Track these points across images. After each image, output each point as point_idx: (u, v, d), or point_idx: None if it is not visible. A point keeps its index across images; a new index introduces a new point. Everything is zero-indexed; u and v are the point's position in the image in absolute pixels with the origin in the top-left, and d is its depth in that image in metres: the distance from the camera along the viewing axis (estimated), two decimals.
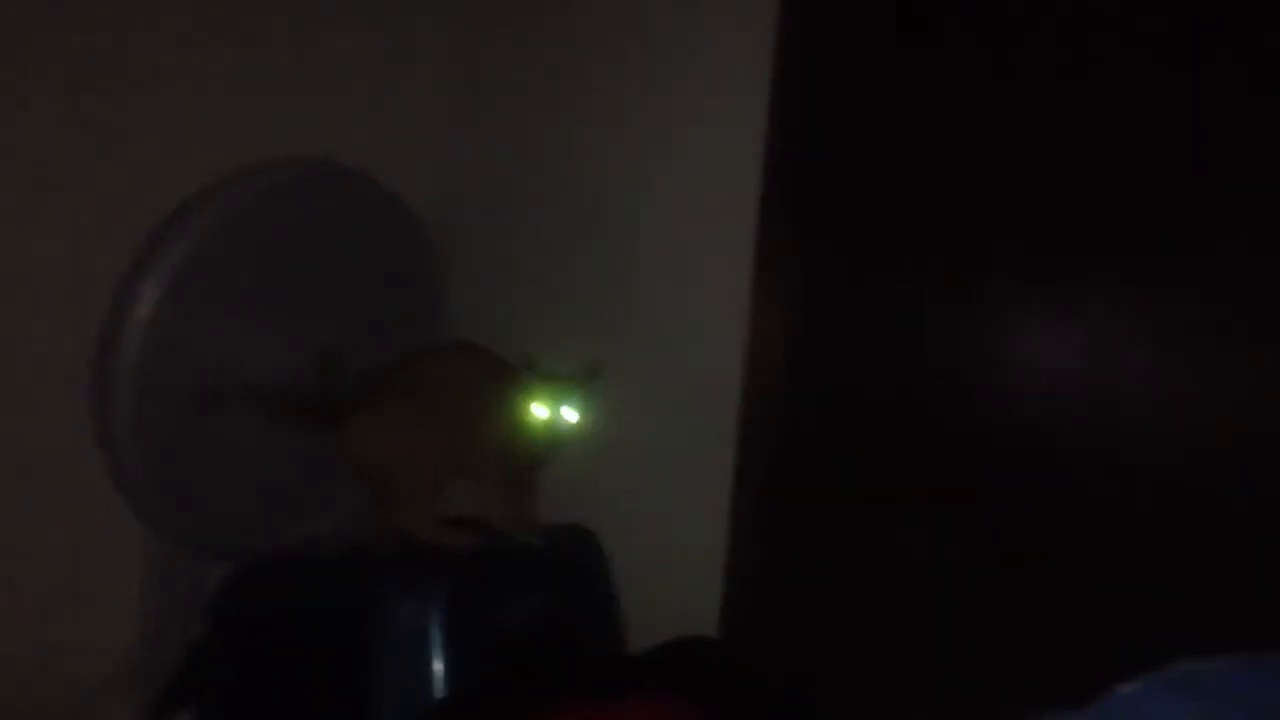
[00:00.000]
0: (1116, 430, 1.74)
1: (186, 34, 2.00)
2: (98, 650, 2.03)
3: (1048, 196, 1.79)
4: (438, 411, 1.85)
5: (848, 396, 2.02)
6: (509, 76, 2.42)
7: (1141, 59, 1.71)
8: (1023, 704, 0.79)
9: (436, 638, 1.75)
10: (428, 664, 1.74)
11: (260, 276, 1.92)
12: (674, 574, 2.14)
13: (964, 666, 1.81)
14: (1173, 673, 0.84)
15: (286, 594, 1.89)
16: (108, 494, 1.87)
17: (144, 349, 1.76)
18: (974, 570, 1.85)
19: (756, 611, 2.07)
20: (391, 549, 1.86)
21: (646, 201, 2.22)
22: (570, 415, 1.85)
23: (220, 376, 1.87)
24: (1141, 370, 1.73)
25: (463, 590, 1.80)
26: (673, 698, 1.65)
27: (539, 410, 1.82)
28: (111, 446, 1.79)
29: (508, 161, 2.43)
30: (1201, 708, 0.76)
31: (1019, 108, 1.82)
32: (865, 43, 1.98)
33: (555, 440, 1.86)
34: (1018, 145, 1.82)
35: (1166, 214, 1.69)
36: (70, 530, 1.94)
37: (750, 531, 2.09)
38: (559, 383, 1.84)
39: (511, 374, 1.85)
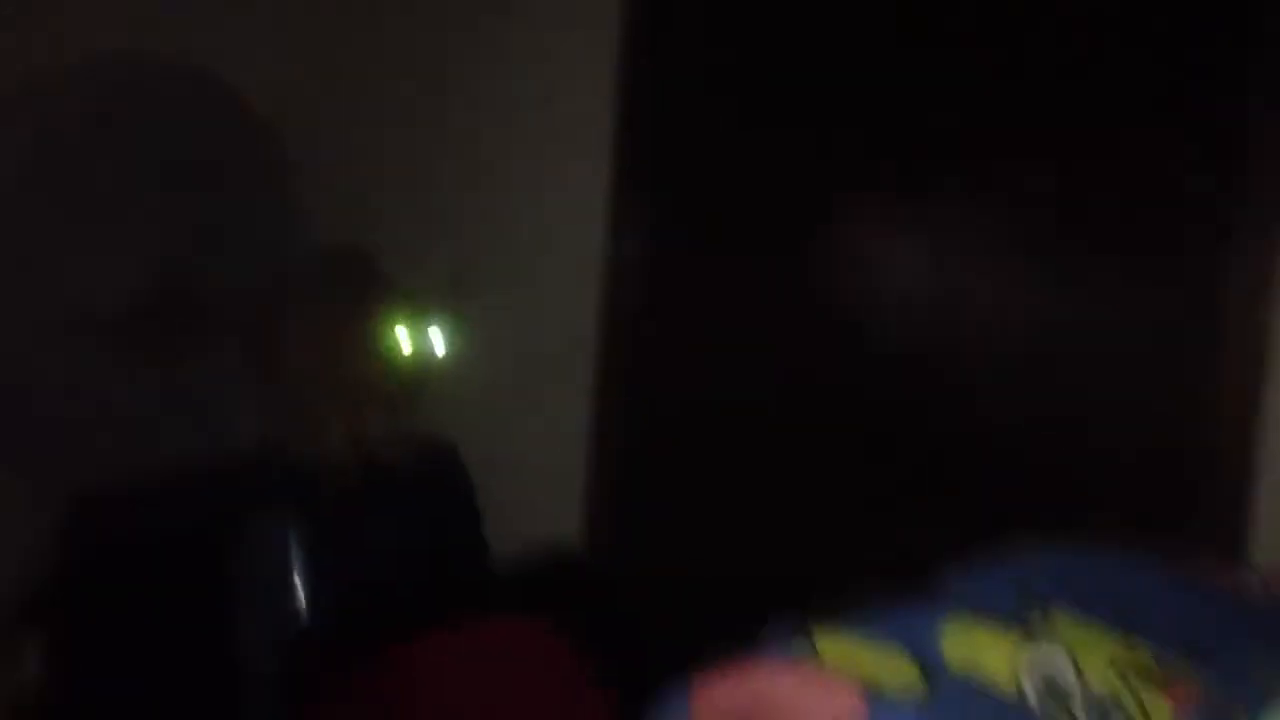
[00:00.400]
0: (957, 338, 1.83)
1: None
2: None
3: (882, 120, 1.86)
4: (308, 332, 1.82)
5: (702, 314, 2.06)
6: None
7: None
8: (871, 601, 0.84)
9: (296, 558, 1.74)
10: (289, 585, 1.73)
11: (92, 185, 1.82)
12: (536, 490, 2.15)
13: (817, 571, 1.89)
14: (996, 556, 0.91)
15: (139, 520, 1.85)
16: None
17: None
18: (825, 479, 1.93)
19: (616, 525, 2.11)
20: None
21: (503, 111, 2.20)
22: (436, 342, 1.80)
23: (48, 292, 1.79)
24: (979, 280, 1.82)
25: (322, 509, 1.79)
26: (534, 619, 1.67)
27: (402, 340, 1.77)
28: None
29: (364, 74, 2.36)
30: (1021, 583, 0.82)
31: (853, 44, 1.87)
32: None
33: (418, 373, 1.82)
34: (851, 78, 1.88)
35: (992, 133, 1.78)
36: None
37: (610, 448, 2.12)
38: (422, 308, 1.79)
39: (378, 294, 1.80)
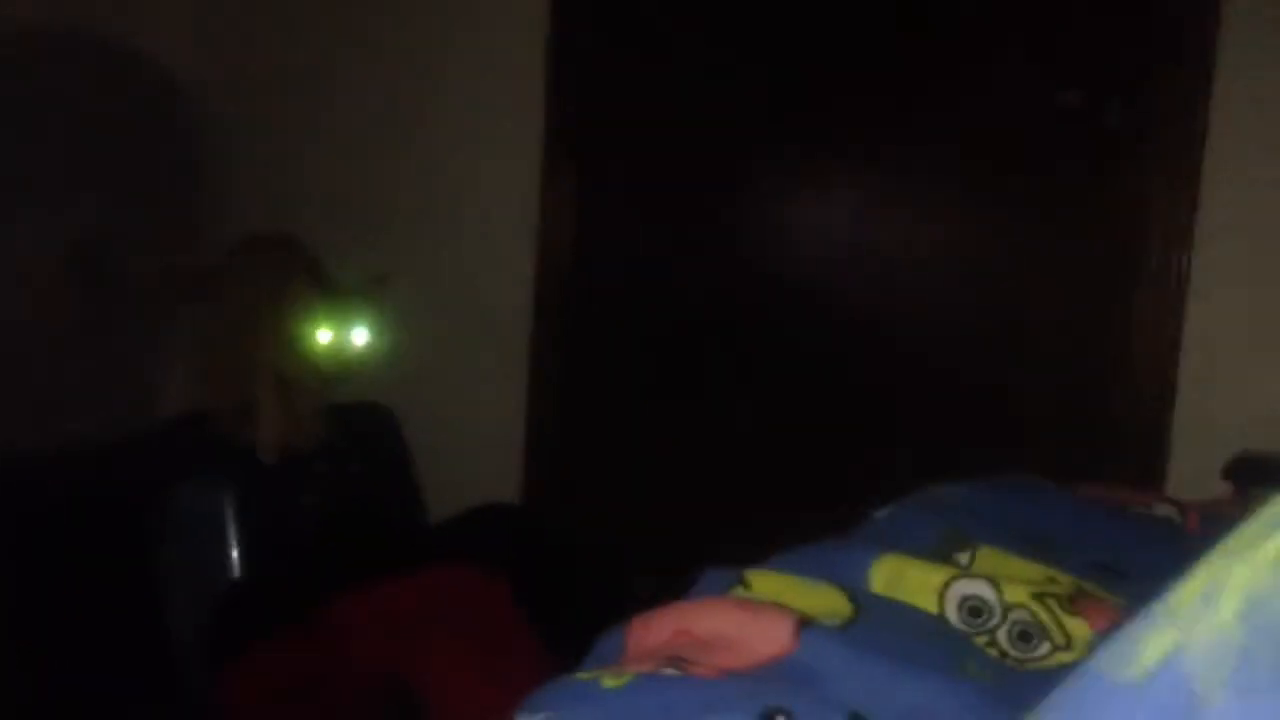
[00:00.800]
0: (880, 288, 1.86)
1: None
2: None
3: (801, 75, 1.88)
4: (231, 313, 1.78)
5: (635, 269, 2.08)
6: None
7: None
8: (801, 544, 0.86)
9: (225, 524, 1.71)
10: (220, 548, 1.71)
11: (11, 155, 1.77)
12: (474, 447, 2.17)
13: (749, 515, 1.92)
14: (918, 496, 0.93)
15: (62, 485, 1.81)
16: None
17: None
18: (756, 423, 1.96)
19: (553, 477, 2.13)
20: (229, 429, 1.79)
21: (433, 80, 2.19)
22: (359, 337, 1.74)
23: None
24: (899, 236, 1.85)
25: (252, 473, 1.77)
26: (470, 565, 1.66)
27: (323, 334, 1.71)
28: None
29: (285, 48, 2.32)
30: (945, 520, 0.85)
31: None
32: None
33: (341, 364, 1.76)
34: (772, 33, 1.89)
35: (919, 92, 1.80)
36: None
37: (547, 401, 2.14)
38: (345, 300, 1.73)
39: (303, 285, 1.74)
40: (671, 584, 0.82)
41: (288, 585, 1.65)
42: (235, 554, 1.72)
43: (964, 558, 0.82)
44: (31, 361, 1.86)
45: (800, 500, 1.85)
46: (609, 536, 2.01)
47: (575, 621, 1.63)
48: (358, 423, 2.01)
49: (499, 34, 2.13)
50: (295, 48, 2.29)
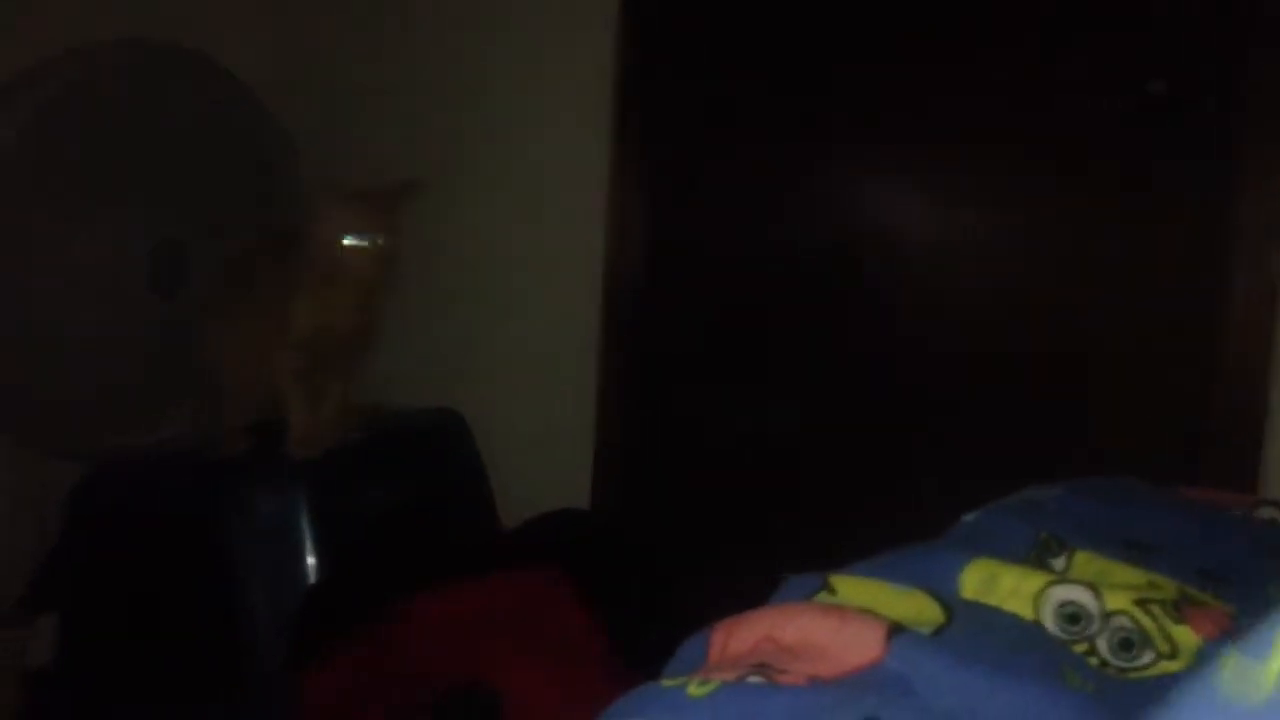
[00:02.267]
0: (962, 287, 1.82)
1: None
2: None
3: (877, 68, 1.84)
4: (254, 312, 1.79)
5: (705, 272, 2.06)
6: None
7: None
8: (888, 550, 0.83)
9: (301, 528, 1.74)
10: (295, 555, 1.73)
11: (90, 164, 1.81)
12: (545, 452, 2.17)
13: (822, 519, 1.90)
14: (1013, 500, 0.90)
15: (144, 494, 1.85)
16: None
17: None
18: (827, 428, 1.93)
19: (625, 483, 2.11)
20: (237, 448, 1.81)
21: (501, 79, 2.18)
22: (382, 238, 1.71)
23: (53, 268, 1.78)
24: (978, 231, 1.81)
25: (323, 480, 1.78)
26: (542, 569, 1.67)
27: (351, 237, 1.68)
28: None
29: (353, 48, 2.34)
30: (1038, 524, 0.82)
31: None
32: None
33: (373, 269, 1.73)
34: (849, 23, 1.86)
35: (998, 82, 1.75)
36: None
37: (617, 406, 2.13)
38: (365, 202, 1.72)
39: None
40: (749, 590, 0.81)
41: (364, 588, 1.66)
42: (311, 557, 1.74)
43: (1059, 562, 0.79)
44: (112, 369, 1.89)
45: (876, 505, 1.82)
46: (679, 541, 2.00)
47: (646, 626, 1.64)
48: (430, 428, 2.03)
49: (565, 44, 2.13)
50: (366, 57, 2.31)
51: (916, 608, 0.70)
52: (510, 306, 2.21)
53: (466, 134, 2.23)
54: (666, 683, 0.64)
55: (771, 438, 1.98)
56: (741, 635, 0.69)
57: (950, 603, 0.71)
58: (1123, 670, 0.70)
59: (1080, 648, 0.71)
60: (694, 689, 0.61)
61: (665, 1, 2.03)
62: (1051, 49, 1.72)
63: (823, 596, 0.73)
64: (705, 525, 2.02)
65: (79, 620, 1.84)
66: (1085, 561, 0.78)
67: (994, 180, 1.80)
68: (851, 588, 0.73)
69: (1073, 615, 0.72)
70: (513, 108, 2.19)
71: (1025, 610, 0.73)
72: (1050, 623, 0.72)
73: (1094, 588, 0.74)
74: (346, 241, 1.67)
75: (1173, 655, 0.70)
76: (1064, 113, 1.71)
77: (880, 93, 1.85)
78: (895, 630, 0.64)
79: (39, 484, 1.98)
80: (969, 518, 0.88)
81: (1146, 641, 0.71)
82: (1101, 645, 0.71)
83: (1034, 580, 0.74)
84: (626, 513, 2.09)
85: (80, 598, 1.84)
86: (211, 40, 2.03)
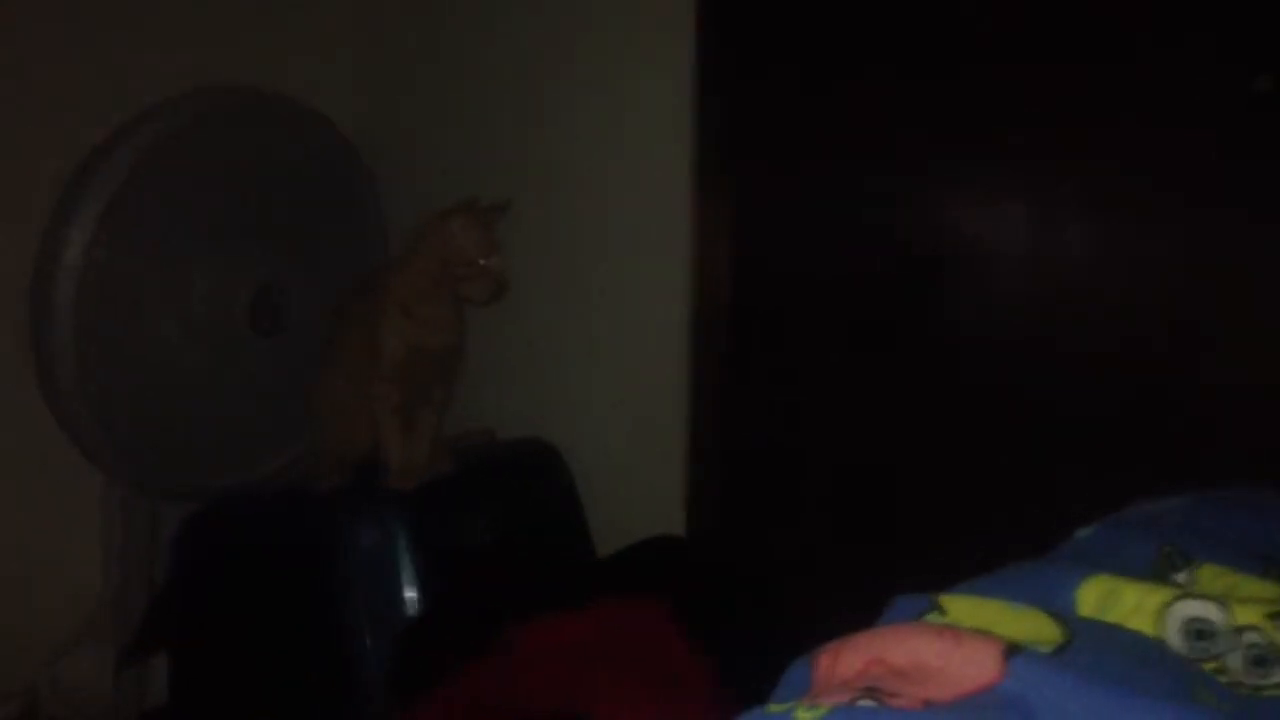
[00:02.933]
0: (1058, 300, 1.77)
1: None
2: (66, 603, 2.00)
3: (975, 75, 1.80)
4: (350, 349, 1.83)
5: (796, 287, 2.03)
6: None
7: None
8: (1000, 567, 0.80)
9: (402, 561, 1.75)
10: (396, 588, 1.74)
11: (191, 208, 1.87)
12: (637, 480, 2.15)
13: (924, 541, 1.85)
14: (1127, 513, 0.87)
15: (248, 530, 1.88)
16: (60, 444, 1.84)
17: (78, 293, 1.71)
18: (927, 447, 1.88)
19: (720, 511, 2.09)
20: (339, 481, 1.84)
21: (584, 108, 2.18)
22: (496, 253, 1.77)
23: (159, 312, 1.83)
24: (1081, 241, 1.76)
25: (422, 513, 1.80)
26: (638, 599, 1.66)
27: (488, 256, 1.74)
28: (56, 396, 1.75)
29: (432, 79, 2.38)
30: (1159, 536, 0.78)
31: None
32: None
33: (500, 294, 1.78)
34: (944, 27, 1.83)
35: (1094, 84, 1.70)
36: (26, 485, 1.90)
37: (710, 432, 2.10)
38: (483, 216, 1.77)
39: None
40: (853, 615, 0.78)
41: (463, 621, 1.67)
42: (412, 590, 1.75)
43: (1183, 576, 0.75)
44: (219, 409, 1.94)
45: (980, 525, 1.78)
46: (777, 566, 1.97)
47: (750, 652, 1.61)
48: (524, 459, 2.04)
49: (647, 70, 2.11)
50: (451, 94, 2.34)
51: (1033, 627, 0.67)
52: (599, 335, 2.21)
53: (549, 163, 2.23)
54: (773, 708, 0.62)
55: (868, 459, 1.94)
56: (848, 658, 0.67)
57: (1069, 621, 0.68)
58: (1257, 688, 0.66)
59: (1210, 665, 0.67)
60: (801, 714, 0.59)
61: (743, 19, 2.00)
62: (1159, 45, 1.66)
63: (933, 617, 0.70)
64: (802, 550, 1.99)
65: (190, 658, 1.88)
66: (1212, 575, 0.75)
67: (1091, 190, 1.75)
68: (963, 607, 0.70)
69: (1200, 631, 0.68)
70: (594, 136, 2.19)
71: (1148, 627, 0.69)
72: (1176, 640, 0.69)
73: (1222, 602, 0.70)
74: (465, 257, 1.72)
75: None
76: (1164, 114, 1.65)
77: (970, 100, 1.81)
78: (1012, 650, 0.61)
79: (149, 525, 2.03)
80: (1083, 533, 0.85)
81: None
82: (1233, 662, 0.67)
83: (1157, 596, 0.71)
84: (723, 539, 2.07)
85: (190, 636, 1.88)
86: (293, 77, 2.09)
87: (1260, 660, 0.67)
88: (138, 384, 1.83)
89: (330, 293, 1.99)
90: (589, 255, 2.21)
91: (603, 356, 2.21)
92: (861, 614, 0.81)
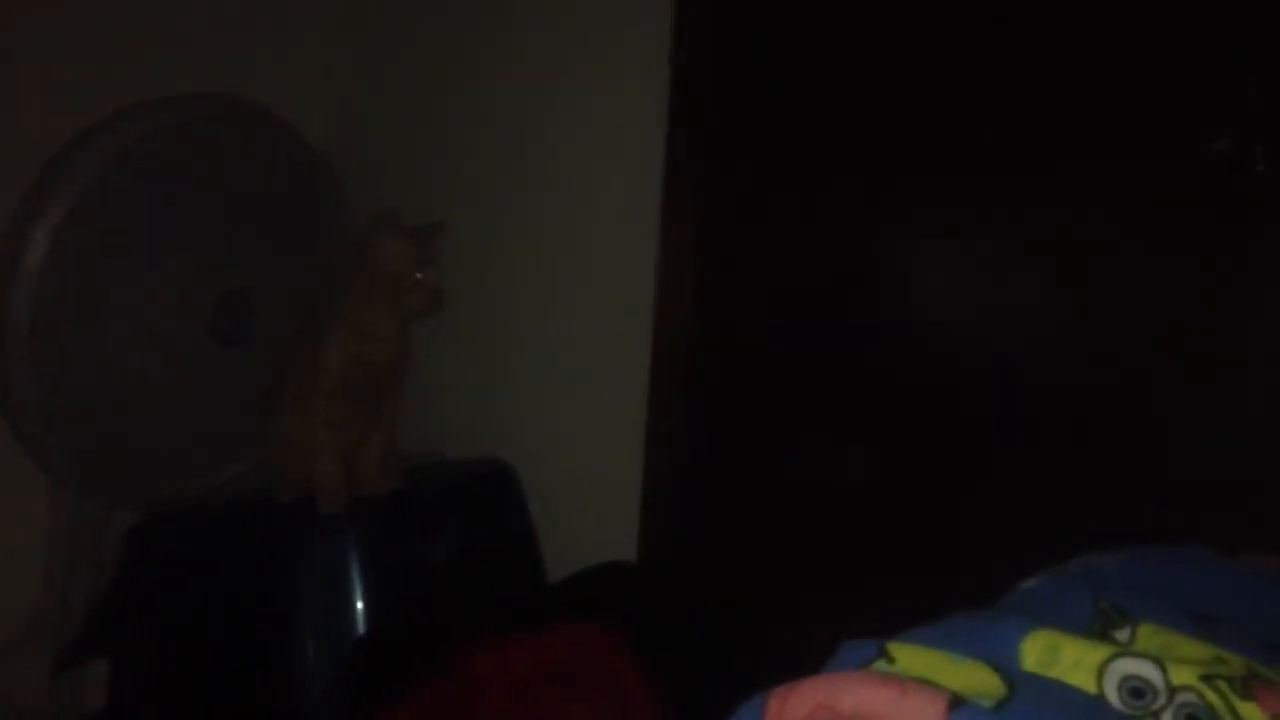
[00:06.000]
0: (1007, 342, 1.80)
1: None
2: (6, 605, 1.98)
3: (936, 123, 1.84)
4: (294, 377, 1.83)
5: (756, 319, 2.05)
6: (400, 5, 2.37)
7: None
8: (936, 608, 0.82)
9: (354, 577, 1.75)
10: (347, 604, 1.74)
11: (157, 215, 1.86)
12: (591, 503, 2.16)
13: (877, 575, 1.87)
14: (1072, 566, 0.89)
15: (196, 540, 1.87)
16: (7, 446, 1.83)
17: (37, 297, 1.69)
18: (883, 482, 1.91)
19: (674, 536, 2.09)
20: (293, 496, 1.82)
21: (552, 130, 2.20)
22: (431, 269, 1.78)
23: (120, 319, 1.82)
24: (1027, 287, 1.79)
25: (377, 529, 1.80)
26: (590, 624, 1.67)
27: (417, 271, 1.75)
28: (8, 400, 1.74)
29: (402, 90, 2.38)
30: (1100, 593, 0.80)
31: (914, 39, 1.85)
32: None
33: (434, 306, 1.79)
34: (907, 73, 1.86)
35: (1045, 137, 1.75)
36: None
37: (665, 456, 2.12)
38: (430, 236, 1.79)
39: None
40: (805, 649, 0.80)
41: (417, 639, 1.67)
42: (361, 606, 1.75)
43: (1123, 634, 0.77)
44: (174, 417, 1.93)
45: (930, 563, 1.80)
46: (728, 594, 1.98)
47: (697, 680, 1.63)
48: (479, 479, 2.04)
49: (619, 43, 2.12)
50: (419, 105, 2.35)
51: (977, 679, 0.69)
52: (556, 355, 2.22)
53: (514, 180, 2.24)
54: None
55: (826, 486, 1.96)
56: (795, 703, 0.68)
57: (1011, 675, 0.70)
58: None
59: None
60: None
61: (718, 45, 2.03)
62: (1120, 105, 1.70)
63: (880, 665, 0.72)
64: (755, 576, 2.00)
65: (132, 664, 1.86)
66: (1149, 634, 0.77)
67: (1050, 241, 1.78)
68: (910, 656, 0.72)
69: (1136, 689, 0.71)
70: (561, 154, 2.20)
71: (1088, 683, 0.72)
72: (1114, 697, 0.71)
73: (1159, 662, 0.72)
74: (396, 270, 1.73)
75: None
76: (1122, 173, 1.69)
77: (938, 139, 1.85)
78: (956, 703, 0.63)
79: (96, 531, 2.01)
80: (1028, 585, 0.87)
81: (1214, 719, 0.69)
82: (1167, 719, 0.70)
83: (1097, 653, 0.73)
84: (675, 567, 2.08)
85: (134, 641, 1.86)
86: (261, 84, 2.08)
87: (1193, 719, 0.70)
88: (93, 390, 1.82)
89: (294, 303, 1.98)
90: (548, 274, 2.22)
91: (559, 377, 2.21)
92: (812, 644, 0.83)
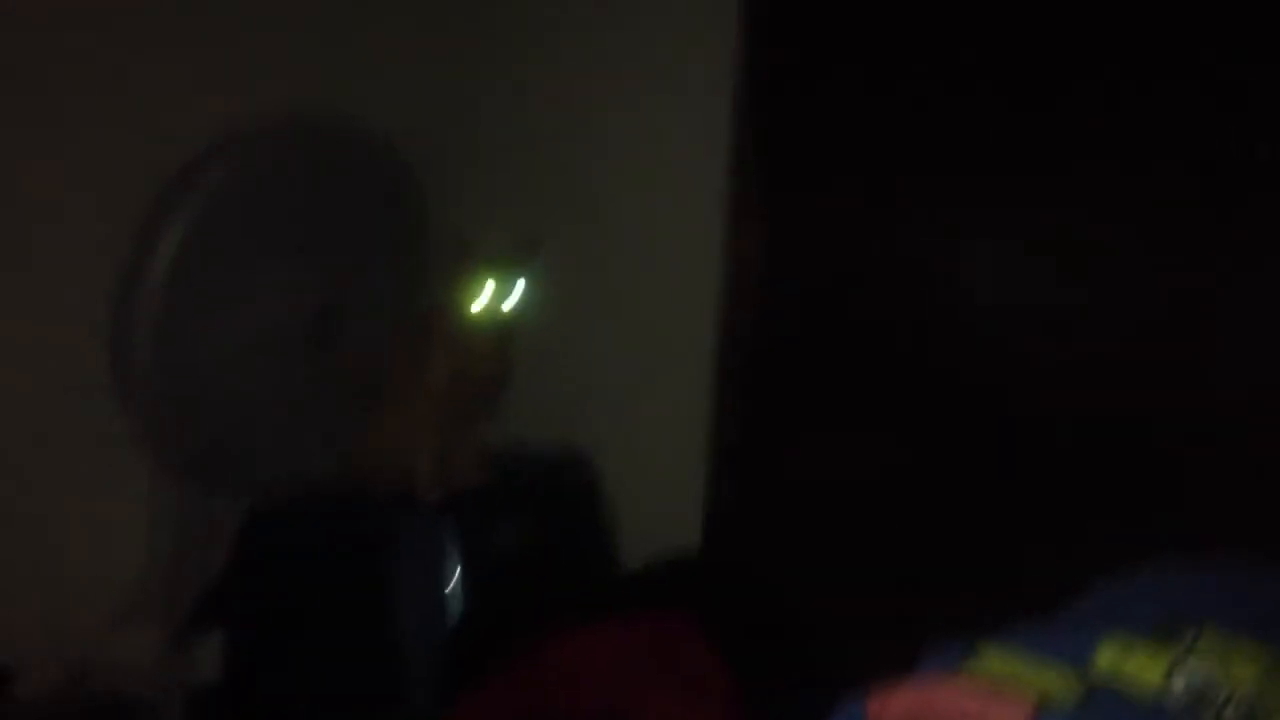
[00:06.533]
0: (1062, 340, 1.84)
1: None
2: (117, 584, 2.09)
3: (994, 124, 1.87)
4: (398, 385, 1.95)
5: (819, 313, 2.10)
6: (479, 9, 2.43)
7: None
8: (1004, 605, 0.90)
9: (445, 563, 1.87)
10: (439, 584, 1.86)
11: (266, 226, 1.97)
12: (658, 489, 2.22)
13: (938, 564, 1.93)
14: (1144, 572, 0.96)
15: (302, 528, 1.99)
16: (118, 434, 1.95)
17: (162, 302, 1.81)
18: (939, 475, 1.96)
19: (739, 524, 2.16)
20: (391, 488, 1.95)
21: (623, 131, 2.27)
22: (514, 297, 1.86)
23: (229, 324, 1.94)
24: (1080, 286, 1.83)
25: (466, 518, 1.91)
26: (668, 612, 1.76)
27: (481, 298, 1.84)
28: (132, 395, 1.86)
29: (480, 97, 2.44)
30: (1169, 597, 0.88)
31: (972, 43, 1.88)
32: None
33: (505, 328, 1.88)
34: (966, 77, 1.89)
35: (1101, 138, 1.78)
36: (83, 469, 2.00)
37: (730, 446, 2.17)
38: (497, 265, 1.86)
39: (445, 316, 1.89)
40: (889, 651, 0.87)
41: (503, 625, 1.77)
42: (453, 589, 1.85)
43: (1189, 638, 0.85)
44: (276, 416, 2.05)
45: (994, 559, 1.85)
46: (793, 583, 2.04)
47: (766, 671, 1.71)
48: (561, 466, 2.13)
49: (686, 48, 2.18)
50: (500, 123, 2.42)
51: (1058, 680, 0.77)
52: (624, 344, 2.28)
53: (589, 189, 2.31)
54: None
55: (887, 484, 2.01)
56: (896, 705, 0.77)
57: (1088, 676, 0.78)
58: None
59: (1208, 718, 0.78)
60: None
61: (784, 65, 2.08)
62: (1162, 108, 1.73)
63: (970, 664, 0.81)
64: (814, 567, 2.06)
65: (244, 641, 1.99)
66: (1214, 638, 0.85)
67: (1100, 240, 1.82)
68: (998, 657, 0.80)
69: (1202, 692, 0.79)
70: (633, 160, 2.26)
71: (1157, 683, 0.80)
72: (1180, 695, 0.79)
73: (1221, 662, 0.80)
74: (478, 307, 1.83)
75: None
76: (1171, 173, 1.72)
77: (990, 149, 1.88)
78: (1042, 705, 0.72)
79: (200, 515, 2.12)
80: (1101, 590, 0.95)
81: (1272, 714, 0.77)
82: (1229, 716, 0.78)
83: (1165, 655, 0.81)
84: (741, 553, 2.14)
85: (245, 622, 1.98)
86: (355, 103, 2.17)
87: (1253, 716, 0.78)
88: (206, 387, 1.94)
89: (383, 312, 2.09)
90: (622, 274, 2.28)
91: (629, 363, 2.27)
92: (877, 638, 0.91)
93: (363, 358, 2.02)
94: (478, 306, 1.83)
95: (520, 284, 1.86)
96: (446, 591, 1.85)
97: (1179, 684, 0.80)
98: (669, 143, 2.22)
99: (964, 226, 1.95)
